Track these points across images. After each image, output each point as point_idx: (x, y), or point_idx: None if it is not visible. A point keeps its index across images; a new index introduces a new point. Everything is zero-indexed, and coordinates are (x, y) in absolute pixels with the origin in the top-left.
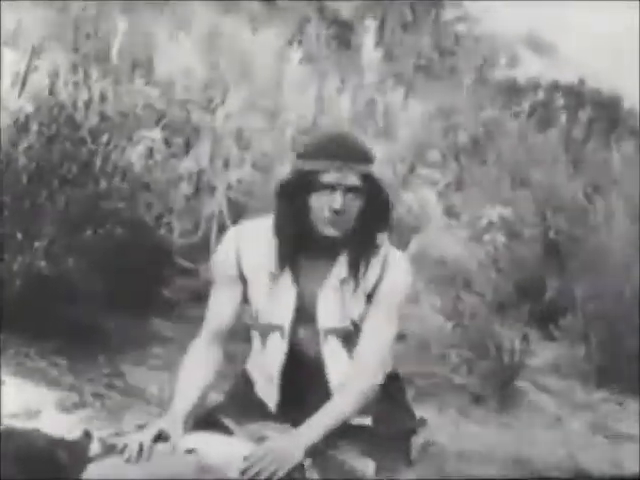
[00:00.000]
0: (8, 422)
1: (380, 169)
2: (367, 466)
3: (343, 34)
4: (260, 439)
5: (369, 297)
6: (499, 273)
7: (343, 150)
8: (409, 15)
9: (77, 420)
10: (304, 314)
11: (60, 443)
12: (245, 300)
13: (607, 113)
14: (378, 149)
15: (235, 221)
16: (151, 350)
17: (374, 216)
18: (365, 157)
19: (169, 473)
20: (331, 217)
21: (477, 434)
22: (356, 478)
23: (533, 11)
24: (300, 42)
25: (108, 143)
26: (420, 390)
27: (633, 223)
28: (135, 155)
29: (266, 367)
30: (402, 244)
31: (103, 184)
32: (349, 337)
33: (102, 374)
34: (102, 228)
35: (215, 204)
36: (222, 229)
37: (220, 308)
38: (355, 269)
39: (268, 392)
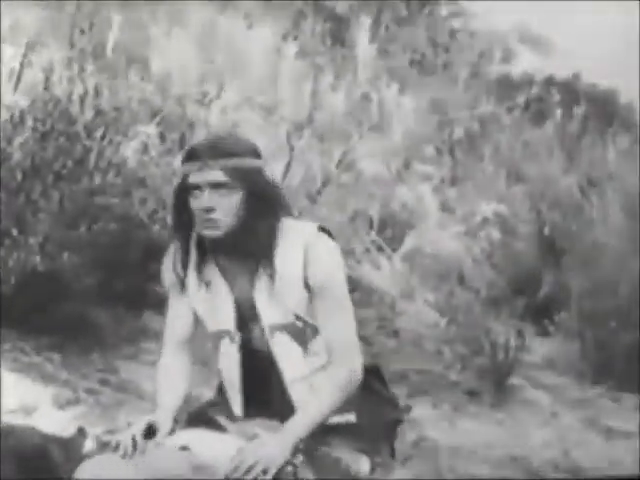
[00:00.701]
0: (4, 418)
1: (374, 164)
2: (362, 463)
3: (338, 30)
4: (253, 437)
5: (307, 285)
6: (494, 269)
7: (205, 148)
8: (404, 11)
9: (72, 416)
10: (248, 314)
11: (54, 441)
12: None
13: (602, 108)
14: (373, 144)
15: None
16: (145, 345)
17: (259, 207)
18: (230, 151)
19: (162, 471)
20: (204, 217)
21: (472, 430)
22: (351, 477)
23: (528, 6)
24: (295, 38)
25: (103, 138)
26: (414, 386)
27: (628, 218)
28: (130, 150)
29: (224, 372)
30: (397, 239)
31: (98, 180)
32: (298, 332)
33: (96, 370)
34: (96, 224)
35: None
36: None
37: (174, 321)
38: (265, 263)
39: (232, 396)
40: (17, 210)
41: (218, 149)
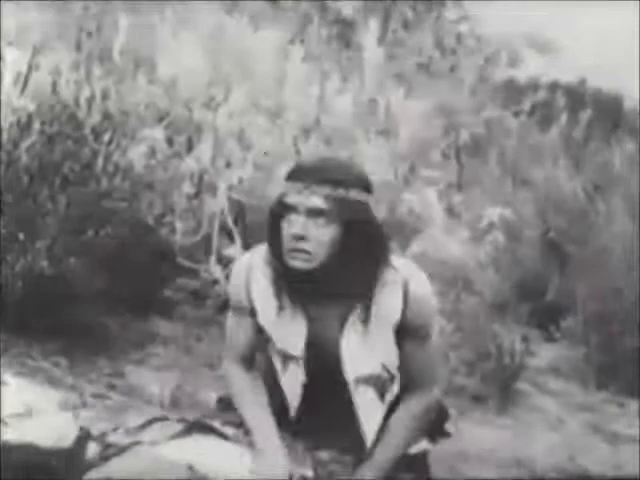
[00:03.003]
0: (10, 423)
1: (381, 168)
2: None
3: (345, 33)
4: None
5: (398, 332)
6: (499, 273)
7: (311, 170)
8: (411, 14)
9: (78, 421)
10: (328, 357)
11: (55, 453)
12: (259, 329)
13: (608, 113)
14: (379, 149)
15: (236, 221)
16: (152, 350)
17: (357, 246)
18: (339, 179)
19: None
20: (293, 245)
21: (477, 435)
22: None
23: (534, 11)
24: (302, 41)
25: (110, 142)
26: None
27: (634, 223)
28: (137, 154)
29: (285, 391)
30: (403, 244)
31: (105, 183)
32: (383, 386)
33: (103, 374)
34: (104, 228)
35: (217, 204)
36: (224, 229)
37: (236, 337)
38: (360, 309)
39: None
40: (24, 214)
41: (326, 174)
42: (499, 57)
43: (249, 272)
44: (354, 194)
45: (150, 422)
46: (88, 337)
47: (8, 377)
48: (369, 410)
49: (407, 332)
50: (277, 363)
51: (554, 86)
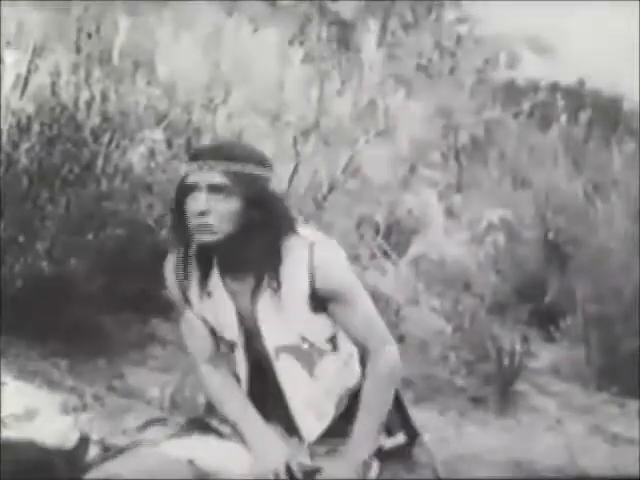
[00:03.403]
0: (10, 424)
1: (380, 170)
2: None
3: (344, 34)
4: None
5: (317, 297)
6: (499, 275)
7: (209, 150)
8: (410, 16)
9: (78, 423)
10: (252, 330)
11: (55, 453)
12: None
13: (607, 114)
14: (379, 150)
15: None
16: (151, 351)
17: (259, 219)
18: (234, 156)
19: None
20: (198, 221)
21: (477, 436)
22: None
23: (533, 12)
24: (301, 42)
25: (109, 144)
26: (420, 393)
27: (634, 224)
28: (136, 156)
29: (240, 379)
30: (402, 245)
31: (104, 185)
32: (304, 355)
33: (102, 376)
34: (103, 229)
35: None
36: None
37: (192, 338)
38: (269, 279)
39: None
40: (24, 216)
41: (222, 152)
42: (498, 59)
43: (182, 269)
44: (250, 168)
45: (149, 424)
46: (88, 338)
47: (7, 378)
48: (292, 381)
49: (327, 299)
50: (227, 351)
51: (553, 87)
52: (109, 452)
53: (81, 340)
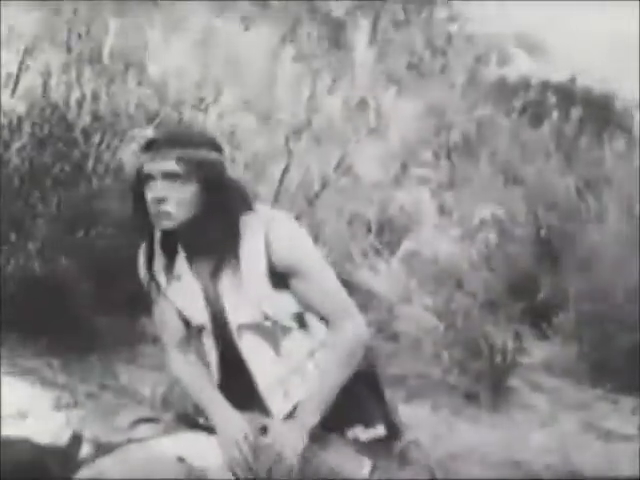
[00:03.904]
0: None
1: (372, 168)
2: (363, 465)
3: (335, 33)
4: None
5: (274, 275)
6: (491, 272)
7: (161, 139)
8: (401, 14)
9: (70, 420)
10: (218, 311)
11: (49, 451)
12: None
13: (598, 111)
14: (370, 148)
15: None
16: (143, 349)
17: (215, 201)
18: (186, 142)
19: (158, 477)
20: (155, 208)
21: (470, 434)
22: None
23: (524, 10)
24: (292, 41)
25: (100, 143)
26: (413, 390)
27: (626, 221)
28: (127, 155)
29: (210, 366)
30: (394, 243)
31: (95, 184)
32: (268, 332)
33: (95, 374)
34: (95, 228)
35: None
36: None
37: (162, 323)
38: (228, 259)
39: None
40: (15, 215)
41: (174, 140)
42: (489, 57)
43: (147, 257)
44: (204, 153)
45: (139, 422)
46: (80, 337)
47: (1, 376)
48: (257, 359)
49: (286, 274)
50: (195, 338)
51: (544, 85)
52: (100, 450)
53: (73, 338)
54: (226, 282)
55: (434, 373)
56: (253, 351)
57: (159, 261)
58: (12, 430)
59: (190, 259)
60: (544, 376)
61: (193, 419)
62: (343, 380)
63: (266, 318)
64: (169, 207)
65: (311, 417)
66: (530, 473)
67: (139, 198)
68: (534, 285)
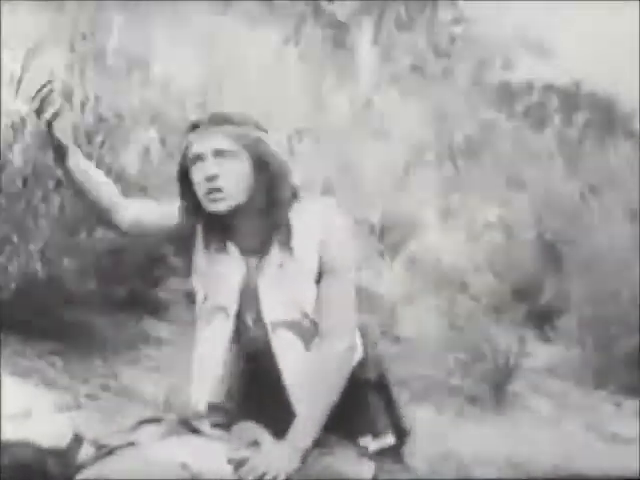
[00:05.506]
0: (5, 423)
1: (376, 170)
2: (366, 468)
3: (339, 34)
4: (250, 443)
5: (320, 273)
6: (495, 275)
7: (206, 119)
8: (405, 16)
9: (72, 421)
10: (249, 299)
11: (50, 453)
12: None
13: (602, 115)
14: (374, 150)
15: None
16: (145, 351)
17: (269, 178)
18: (234, 120)
19: None
20: (208, 186)
21: (473, 436)
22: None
23: (528, 13)
24: (297, 42)
25: (104, 143)
26: (416, 392)
27: (629, 224)
28: (130, 155)
29: (205, 354)
30: (398, 246)
31: None
32: (304, 331)
33: (97, 375)
34: (97, 229)
35: None
36: None
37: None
38: (278, 248)
39: (202, 383)
40: (17, 216)
41: (220, 119)
42: (493, 60)
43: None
44: (250, 130)
45: (141, 423)
46: (82, 338)
47: (3, 377)
48: (289, 356)
49: (324, 271)
50: (199, 332)
51: (548, 88)
52: (101, 452)
53: (75, 339)
54: (269, 275)
55: (437, 375)
56: (285, 349)
57: (198, 242)
58: (14, 431)
59: (235, 246)
60: (547, 379)
61: (194, 426)
62: (334, 399)
63: (305, 317)
64: (221, 182)
65: (303, 440)
66: (533, 474)
67: (185, 181)
68: (537, 288)
